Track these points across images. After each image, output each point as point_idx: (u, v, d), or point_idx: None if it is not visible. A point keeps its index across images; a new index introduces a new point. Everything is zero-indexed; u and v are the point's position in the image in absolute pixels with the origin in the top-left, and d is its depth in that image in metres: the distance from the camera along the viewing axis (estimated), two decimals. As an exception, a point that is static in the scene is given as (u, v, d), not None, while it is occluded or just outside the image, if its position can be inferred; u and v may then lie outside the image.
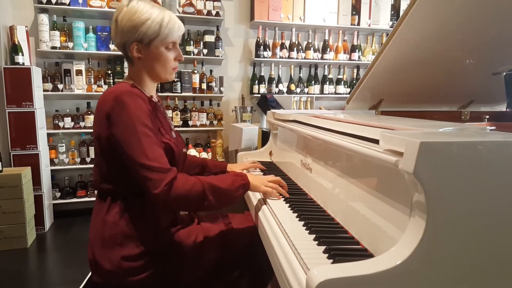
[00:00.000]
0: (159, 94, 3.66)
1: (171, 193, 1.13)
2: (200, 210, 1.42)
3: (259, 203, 1.37)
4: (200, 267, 1.31)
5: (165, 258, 1.27)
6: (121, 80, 3.57)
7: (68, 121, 3.49)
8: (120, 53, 3.63)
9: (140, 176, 1.14)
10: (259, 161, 2.05)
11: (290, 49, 4.01)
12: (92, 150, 3.58)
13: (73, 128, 3.52)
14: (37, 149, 3.18)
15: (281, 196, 1.37)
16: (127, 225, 1.23)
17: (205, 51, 3.78)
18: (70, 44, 3.41)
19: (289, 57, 4.01)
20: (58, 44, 3.38)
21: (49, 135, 3.49)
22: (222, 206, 1.38)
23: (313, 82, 4.17)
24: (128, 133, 1.15)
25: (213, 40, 3.81)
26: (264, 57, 3.94)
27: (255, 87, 4.02)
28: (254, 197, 1.46)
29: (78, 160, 3.57)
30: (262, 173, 1.80)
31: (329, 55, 4.11)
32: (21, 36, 3.20)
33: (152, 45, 1.26)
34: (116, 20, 1.25)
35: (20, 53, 3.16)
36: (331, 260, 0.87)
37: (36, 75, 3.21)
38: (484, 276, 0.78)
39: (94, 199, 1.35)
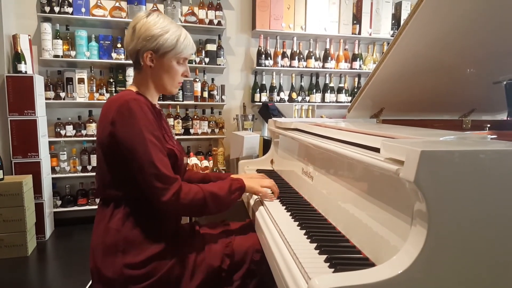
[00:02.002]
0: (161, 102, 3.68)
1: (177, 201, 1.20)
2: (201, 216, 1.51)
3: (260, 211, 1.36)
4: (201, 276, 1.31)
5: (166, 266, 1.26)
6: (123, 88, 3.60)
7: (69, 129, 3.50)
8: (121, 61, 3.63)
9: (147, 183, 1.19)
10: (260, 169, 2.05)
11: (292, 57, 4.03)
12: (93, 158, 3.59)
13: (75, 136, 3.53)
14: (38, 157, 3.19)
15: (274, 198, 1.46)
16: (130, 231, 1.24)
17: (207, 59, 3.80)
18: (73, 53, 3.44)
19: (290, 66, 4.03)
20: (60, 53, 3.40)
21: (50, 143, 3.50)
22: (221, 211, 1.44)
23: (314, 91, 4.18)
24: (136, 141, 1.18)
25: (215, 49, 3.83)
26: (265, 66, 3.96)
27: (257, 96, 4.04)
28: (255, 205, 1.46)
29: (79, 168, 3.57)
30: None
31: (330, 64, 4.13)
32: (24, 45, 3.23)
33: (166, 57, 1.32)
34: (134, 28, 1.30)
35: (23, 62, 3.18)
36: (333, 269, 0.86)
37: (39, 83, 3.23)
38: (485, 285, 0.77)
39: (95, 207, 1.36)
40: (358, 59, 4.21)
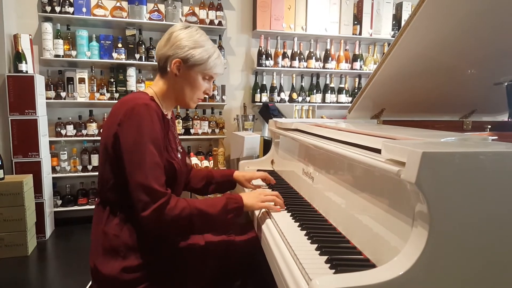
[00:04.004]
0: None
1: (157, 219, 1.13)
2: (188, 234, 1.40)
3: (261, 213, 1.36)
4: (202, 277, 1.31)
5: (167, 268, 1.26)
6: (124, 88, 3.60)
7: (70, 129, 3.50)
8: (122, 61, 3.61)
9: (133, 193, 1.14)
10: (260, 170, 2.04)
11: (292, 58, 4.03)
12: (93, 158, 3.59)
13: (75, 136, 3.53)
14: (39, 156, 3.19)
15: (280, 208, 1.34)
16: (129, 237, 1.23)
17: (207, 60, 3.78)
18: (73, 53, 3.44)
19: (291, 66, 4.03)
20: (61, 53, 3.40)
21: (51, 142, 3.50)
22: (212, 231, 1.39)
23: (314, 91, 4.18)
24: (134, 147, 1.15)
25: (216, 49, 3.82)
26: (266, 66, 3.96)
27: (257, 96, 4.03)
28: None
29: (79, 168, 3.57)
30: (266, 186, 1.75)
31: (331, 64, 4.12)
32: (25, 45, 3.23)
33: (193, 69, 1.31)
34: (170, 34, 1.31)
35: (24, 61, 3.18)
36: (333, 270, 0.86)
37: (39, 83, 3.23)
38: (487, 286, 0.77)
39: (94, 207, 1.35)
40: (358, 59, 4.21)
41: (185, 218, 1.16)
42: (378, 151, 0.90)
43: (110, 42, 3.56)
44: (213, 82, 3.88)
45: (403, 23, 4.09)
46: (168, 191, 1.17)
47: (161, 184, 1.16)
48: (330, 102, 4.22)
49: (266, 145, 3.09)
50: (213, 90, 3.87)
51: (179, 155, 1.39)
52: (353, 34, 4.13)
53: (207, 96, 1.45)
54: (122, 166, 1.18)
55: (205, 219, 1.20)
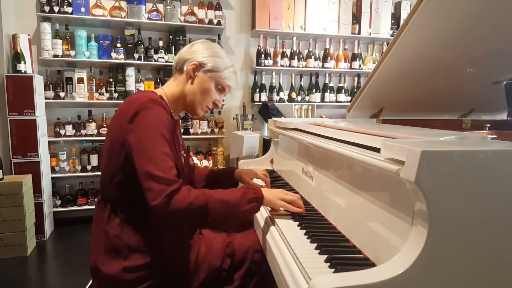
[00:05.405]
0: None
1: (169, 206, 1.07)
2: (203, 227, 1.39)
3: (259, 211, 1.36)
4: (202, 276, 1.31)
5: (167, 268, 1.26)
6: (123, 88, 3.60)
7: (69, 129, 3.50)
8: (121, 61, 3.60)
9: (143, 184, 1.11)
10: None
11: (291, 57, 4.03)
12: (92, 158, 3.58)
13: (74, 136, 3.53)
14: (38, 156, 3.18)
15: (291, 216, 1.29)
16: (130, 237, 1.22)
17: (206, 59, 3.78)
18: (72, 53, 3.43)
19: (290, 66, 4.03)
20: (60, 52, 3.40)
21: (50, 142, 3.49)
22: (228, 223, 1.37)
23: (314, 90, 4.18)
24: (144, 139, 1.14)
25: (215, 49, 3.81)
26: (265, 66, 3.95)
27: (256, 95, 4.03)
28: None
29: (79, 168, 3.57)
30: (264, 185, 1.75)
31: (330, 64, 4.12)
32: (23, 45, 3.22)
33: (208, 74, 1.35)
34: (193, 44, 1.39)
35: (22, 61, 3.17)
36: (333, 270, 0.86)
37: (38, 83, 3.23)
38: (486, 284, 0.77)
39: (94, 206, 1.34)
40: (357, 58, 4.21)
41: (200, 206, 1.11)
42: (377, 150, 0.90)
43: (109, 42, 3.56)
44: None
45: (402, 22, 4.09)
46: (180, 180, 1.12)
47: (171, 173, 1.12)
48: (329, 102, 4.22)
49: (266, 145, 3.10)
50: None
51: (182, 159, 1.40)
52: (352, 33, 4.12)
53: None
54: (130, 162, 1.16)
55: (222, 207, 1.14)
